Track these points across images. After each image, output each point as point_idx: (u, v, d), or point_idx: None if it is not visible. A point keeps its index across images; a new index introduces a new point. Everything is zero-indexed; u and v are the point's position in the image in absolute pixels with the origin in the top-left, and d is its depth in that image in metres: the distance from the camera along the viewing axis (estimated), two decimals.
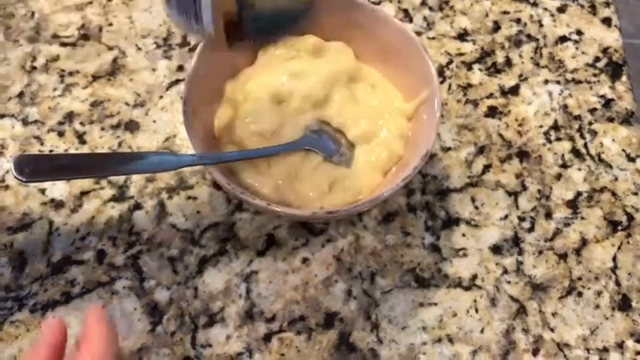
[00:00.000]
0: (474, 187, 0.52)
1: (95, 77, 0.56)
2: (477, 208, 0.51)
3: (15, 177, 0.39)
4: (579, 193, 0.52)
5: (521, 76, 0.57)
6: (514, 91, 0.57)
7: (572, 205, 0.52)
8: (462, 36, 0.59)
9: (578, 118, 0.56)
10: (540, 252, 0.50)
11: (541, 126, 0.55)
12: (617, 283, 0.49)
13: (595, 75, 0.58)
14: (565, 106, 0.56)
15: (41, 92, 0.55)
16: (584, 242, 0.50)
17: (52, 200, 0.50)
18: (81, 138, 0.53)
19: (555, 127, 0.55)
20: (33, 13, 0.59)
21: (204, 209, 0.50)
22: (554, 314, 0.47)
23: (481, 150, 0.54)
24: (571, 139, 0.55)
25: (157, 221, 0.50)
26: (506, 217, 0.51)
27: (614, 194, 0.52)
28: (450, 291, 0.48)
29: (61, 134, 0.53)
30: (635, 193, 0.52)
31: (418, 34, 0.59)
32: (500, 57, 0.58)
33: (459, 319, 0.47)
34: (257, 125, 0.48)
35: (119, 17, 0.59)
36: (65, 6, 0.60)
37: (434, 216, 0.51)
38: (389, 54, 0.50)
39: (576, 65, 0.58)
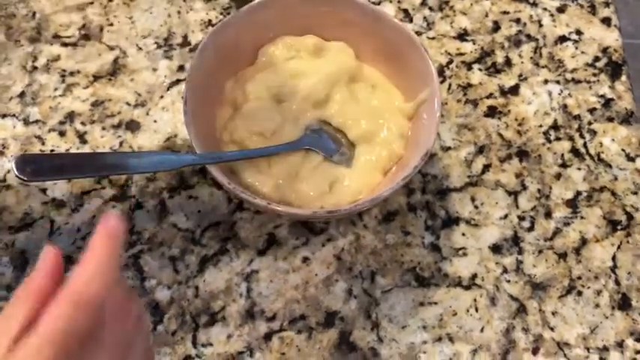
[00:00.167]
0: (473, 186, 0.52)
1: (96, 77, 0.56)
2: (476, 207, 0.51)
3: (16, 176, 0.39)
4: (579, 193, 0.52)
5: (520, 75, 0.58)
6: (514, 90, 0.57)
7: (572, 204, 0.52)
8: (462, 36, 0.59)
9: (577, 117, 0.56)
10: (540, 251, 0.50)
11: (541, 126, 0.55)
12: (617, 283, 0.49)
13: (595, 75, 0.58)
14: (565, 106, 0.56)
15: (42, 92, 0.55)
16: (583, 241, 0.50)
17: (54, 200, 0.51)
18: (82, 138, 0.53)
19: (555, 126, 0.55)
20: (34, 14, 0.59)
21: (205, 208, 0.51)
22: (554, 313, 0.48)
23: (481, 149, 0.54)
24: (571, 138, 0.55)
25: (157, 221, 0.50)
26: (506, 216, 0.51)
27: (613, 194, 0.52)
28: (450, 290, 0.48)
29: (62, 134, 0.53)
30: (635, 193, 0.52)
31: (418, 34, 0.59)
32: (500, 57, 0.58)
33: (459, 318, 0.47)
34: (257, 125, 0.48)
35: (120, 17, 0.59)
36: (66, 6, 0.60)
37: (434, 215, 0.51)
38: (389, 54, 0.51)
39: (576, 65, 0.58)
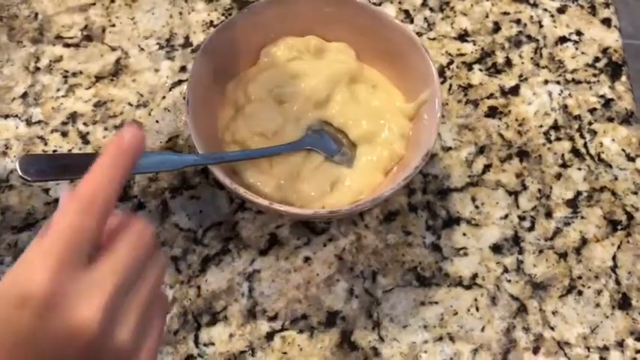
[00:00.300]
0: (474, 186, 0.53)
1: (98, 78, 0.57)
2: (477, 207, 0.52)
3: (20, 177, 0.39)
4: (579, 193, 0.52)
5: (521, 76, 0.58)
6: (514, 91, 0.57)
7: (572, 204, 0.52)
8: (463, 37, 0.60)
9: (578, 118, 0.56)
10: (540, 251, 0.50)
11: (541, 126, 0.55)
12: (617, 282, 0.49)
13: (595, 75, 0.58)
14: (565, 106, 0.56)
15: (45, 93, 0.56)
16: (584, 241, 0.51)
17: (56, 200, 0.51)
18: (84, 138, 0.54)
19: (555, 127, 0.55)
20: (36, 14, 0.60)
21: (206, 209, 0.51)
22: (554, 313, 0.48)
23: (481, 150, 0.54)
24: (571, 138, 0.55)
25: (159, 221, 0.50)
26: (506, 216, 0.51)
27: (613, 194, 0.52)
28: (450, 290, 0.48)
29: (64, 134, 0.54)
30: (635, 193, 0.53)
31: (419, 34, 0.59)
32: (500, 57, 0.59)
33: (460, 317, 0.47)
34: (259, 125, 0.48)
35: (122, 18, 0.60)
36: (68, 7, 0.60)
37: (435, 215, 0.51)
38: (390, 54, 0.51)
39: (576, 65, 0.58)
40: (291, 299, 0.48)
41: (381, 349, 0.46)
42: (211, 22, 0.60)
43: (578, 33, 0.60)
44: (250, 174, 0.47)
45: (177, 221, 0.50)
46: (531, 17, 0.61)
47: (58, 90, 0.56)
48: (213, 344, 0.46)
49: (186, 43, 0.58)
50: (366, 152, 0.49)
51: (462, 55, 0.59)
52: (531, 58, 0.59)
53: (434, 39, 0.59)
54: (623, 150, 0.54)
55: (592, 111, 0.56)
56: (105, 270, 0.28)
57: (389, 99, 0.51)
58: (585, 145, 0.55)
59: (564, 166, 0.54)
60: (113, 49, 0.58)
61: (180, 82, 0.56)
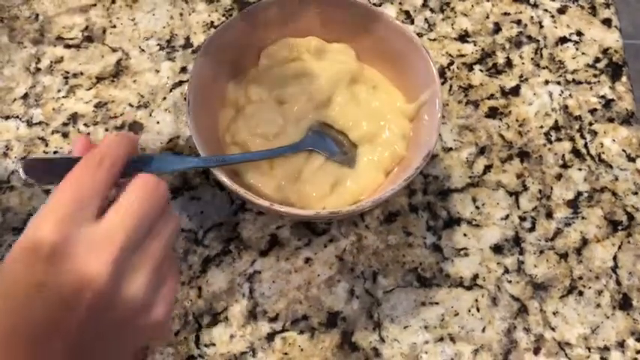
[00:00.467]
0: (475, 187, 0.53)
1: (99, 79, 0.57)
2: (478, 208, 0.52)
3: (23, 179, 0.39)
4: (580, 193, 0.53)
5: (521, 76, 0.58)
6: (515, 91, 0.57)
7: (573, 204, 0.52)
8: (463, 37, 0.60)
9: (578, 118, 0.56)
10: (541, 251, 0.50)
11: (541, 126, 0.55)
12: (618, 283, 0.49)
13: (595, 76, 0.58)
14: (565, 107, 0.56)
15: (45, 94, 0.56)
16: (584, 242, 0.51)
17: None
18: None
19: (556, 127, 0.55)
20: (37, 15, 0.60)
21: (207, 209, 0.51)
22: (555, 313, 0.48)
23: (482, 150, 0.54)
24: (571, 139, 0.55)
25: None
26: (507, 217, 0.51)
27: (614, 194, 0.52)
28: (451, 290, 0.48)
29: (65, 135, 0.54)
30: (636, 193, 0.53)
31: (419, 35, 0.59)
32: (500, 58, 0.59)
33: (461, 318, 0.47)
34: (260, 127, 0.48)
35: (122, 19, 0.60)
36: (69, 8, 0.60)
37: (435, 216, 0.51)
38: (390, 55, 0.51)
39: (576, 66, 0.58)
40: (291, 300, 0.48)
41: (381, 349, 0.46)
42: (212, 22, 0.60)
43: (579, 33, 0.60)
44: (251, 175, 0.47)
45: None
46: (532, 18, 0.61)
47: (59, 91, 0.56)
48: (214, 345, 0.46)
49: (187, 43, 0.58)
50: (366, 153, 0.49)
51: (462, 55, 0.59)
52: (532, 59, 0.59)
53: (434, 39, 0.59)
54: (623, 150, 0.54)
55: (592, 111, 0.56)
56: (114, 223, 0.29)
57: (389, 100, 0.51)
58: (586, 146, 0.55)
59: (565, 166, 0.54)
60: (114, 50, 0.58)
61: (180, 82, 0.56)
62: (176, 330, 0.46)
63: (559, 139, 0.55)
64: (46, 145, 0.53)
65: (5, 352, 0.26)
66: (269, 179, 0.47)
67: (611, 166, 0.54)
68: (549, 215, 0.52)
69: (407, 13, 0.61)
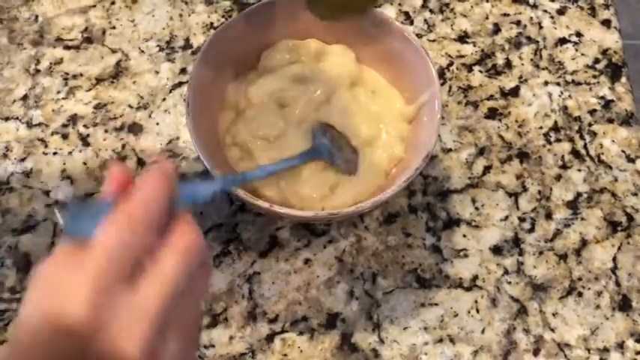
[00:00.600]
0: (474, 188, 0.53)
1: (98, 80, 0.57)
2: (477, 209, 0.52)
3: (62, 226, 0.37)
4: (579, 194, 0.53)
5: (521, 77, 0.58)
6: (514, 92, 0.57)
7: (572, 205, 0.52)
8: (463, 38, 0.60)
9: (577, 119, 0.56)
10: (541, 252, 0.50)
11: (541, 127, 0.55)
12: (617, 284, 0.49)
13: (595, 76, 0.58)
14: (565, 108, 0.56)
15: (45, 95, 0.56)
16: (584, 243, 0.51)
17: (57, 202, 0.51)
18: (84, 140, 0.54)
19: (555, 128, 0.55)
20: (37, 17, 0.60)
21: (207, 210, 0.51)
22: (554, 314, 0.48)
23: (481, 151, 0.54)
24: (571, 140, 0.55)
25: None
26: (506, 217, 0.51)
27: (613, 195, 0.53)
28: (451, 291, 0.48)
29: (64, 137, 0.54)
30: (635, 194, 0.53)
31: (419, 36, 0.59)
32: (500, 59, 0.59)
33: (460, 319, 0.47)
34: (261, 129, 0.48)
35: (122, 20, 0.60)
36: (69, 9, 0.60)
37: (435, 217, 0.51)
38: (390, 56, 0.51)
39: (576, 67, 0.58)
40: (291, 301, 0.48)
41: (381, 350, 0.46)
42: (211, 24, 0.60)
43: (578, 34, 0.60)
44: None
45: None
46: (531, 19, 0.61)
47: (59, 92, 0.56)
48: (213, 346, 0.46)
49: (187, 45, 0.59)
50: (366, 155, 0.49)
51: (461, 56, 0.59)
52: (531, 60, 0.59)
53: (434, 40, 0.59)
54: (623, 151, 0.54)
55: (592, 112, 0.56)
56: (149, 292, 0.26)
57: (389, 101, 0.51)
58: (585, 147, 0.55)
59: (564, 167, 0.54)
60: (113, 51, 0.58)
61: (180, 84, 0.57)
62: None
63: (558, 140, 0.55)
64: (46, 147, 0.53)
65: None
66: (269, 180, 0.47)
67: (610, 167, 0.54)
68: (549, 216, 0.52)
69: (406, 14, 0.61)
